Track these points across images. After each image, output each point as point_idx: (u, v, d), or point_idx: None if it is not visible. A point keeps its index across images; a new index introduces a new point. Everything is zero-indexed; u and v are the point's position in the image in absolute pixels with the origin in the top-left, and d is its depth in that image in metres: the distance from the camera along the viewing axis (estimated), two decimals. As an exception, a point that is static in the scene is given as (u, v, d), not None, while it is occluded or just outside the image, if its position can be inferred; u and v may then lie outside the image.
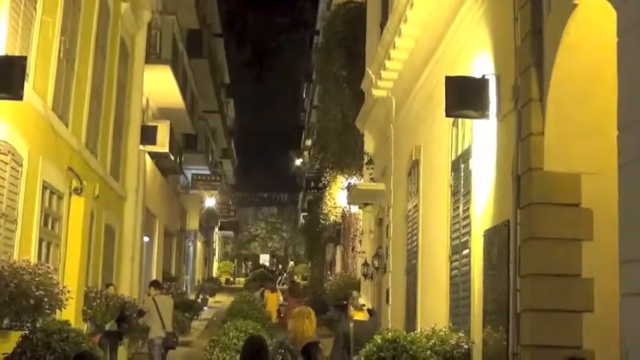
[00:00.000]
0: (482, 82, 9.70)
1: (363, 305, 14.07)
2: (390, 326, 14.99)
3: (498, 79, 9.56)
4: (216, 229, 57.85)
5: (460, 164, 11.46)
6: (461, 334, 10.50)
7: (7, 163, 10.44)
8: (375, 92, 17.38)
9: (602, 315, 7.81)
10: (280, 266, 68.32)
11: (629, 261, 5.57)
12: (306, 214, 49.60)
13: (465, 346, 10.31)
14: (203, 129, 36.97)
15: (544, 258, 8.09)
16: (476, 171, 10.54)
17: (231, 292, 40.26)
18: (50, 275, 10.80)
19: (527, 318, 8.22)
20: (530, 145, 8.30)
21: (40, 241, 12.32)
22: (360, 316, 13.01)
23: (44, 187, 12.33)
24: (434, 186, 13.13)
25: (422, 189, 14.13)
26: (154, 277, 21.46)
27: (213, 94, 38.46)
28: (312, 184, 39.65)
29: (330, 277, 32.39)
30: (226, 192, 55.17)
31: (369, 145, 20.99)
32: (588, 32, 7.54)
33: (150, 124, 21.66)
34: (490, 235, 9.66)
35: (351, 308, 13.44)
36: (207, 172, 40.54)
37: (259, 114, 71.49)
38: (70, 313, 12.37)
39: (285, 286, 35.69)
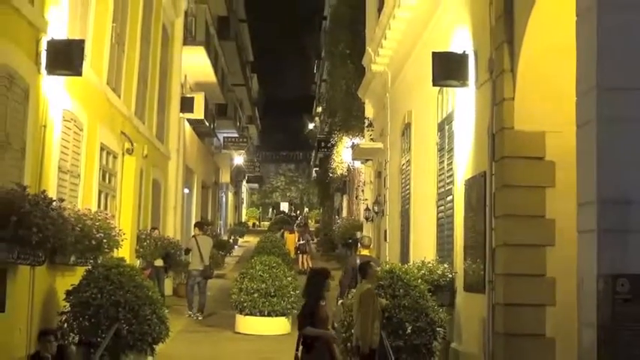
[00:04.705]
0: (463, 57, 9.64)
1: (371, 243, 14.09)
2: (387, 259, 15.07)
3: (476, 54, 9.49)
4: (244, 182, 57.94)
5: (445, 125, 11.42)
6: (446, 266, 10.56)
7: (70, 129, 10.45)
8: (374, 67, 17.29)
9: (562, 249, 7.83)
10: (297, 212, 68.41)
11: (585, 203, 5.58)
12: (317, 168, 49.53)
13: (450, 275, 10.37)
14: (232, 99, 36.84)
15: (514, 202, 8.11)
16: (458, 131, 10.51)
17: (257, 234, 40.44)
18: (108, 221, 10.84)
19: (500, 252, 8.26)
20: (502, 109, 8.27)
21: (100, 192, 12.37)
22: (366, 252, 13.06)
23: (101, 148, 12.34)
24: (423, 144, 13.10)
25: (413, 146, 14.10)
26: (193, 223, 21.52)
27: (239, 70, 38.27)
28: (323, 143, 39.41)
29: (338, 221, 32.52)
30: (252, 151, 55.15)
31: (369, 111, 20.91)
32: (552, 13, 7.46)
33: (188, 95, 21.58)
34: (470, 184, 9.66)
35: (360, 245, 13.49)
36: (236, 135, 40.37)
37: (279, 86, 71.13)
38: (125, 251, 12.46)
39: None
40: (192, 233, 17.32)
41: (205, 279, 16.11)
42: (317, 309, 7.49)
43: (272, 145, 72.42)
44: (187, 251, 16.66)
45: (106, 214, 11.50)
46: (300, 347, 7.46)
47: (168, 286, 18.13)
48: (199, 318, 15.62)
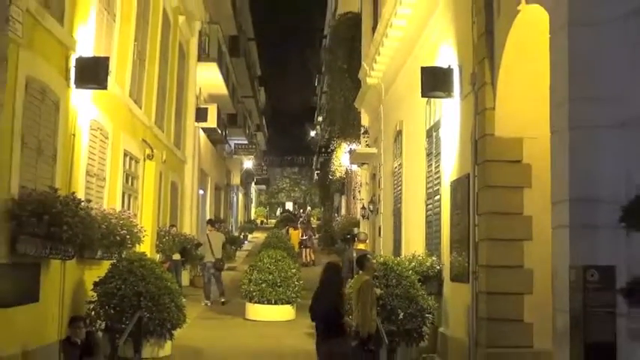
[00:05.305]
0: (449, 71, 9.66)
1: (366, 238, 14.05)
2: (381, 253, 15.07)
3: (460, 68, 9.51)
4: (253, 184, 57.87)
5: (432, 132, 11.43)
6: (434, 258, 10.56)
7: (97, 137, 10.48)
8: (369, 80, 17.29)
9: (538, 243, 7.84)
10: (301, 210, 68.31)
11: (558, 202, 5.59)
12: (319, 171, 49.50)
13: (437, 267, 10.38)
14: (242, 110, 36.74)
15: (495, 201, 8.12)
16: (444, 137, 10.52)
17: (264, 230, 40.33)
18: (131, 219, 10.87)
19: (483, 245, 8.26)
20: (484, 117, 8.27)
21: (123, 194, 12.39)
22: (362, 246, 13.04)
23: (125, 154, 12.37)
24: (413, 149, 13.11)
25: (404, 151, 14.10)
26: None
27: (248, 83, 38.24)
28: (323, 149, 39.44)
29: (337, 218, 32.47)
30: (260, 156, 54.96)
31: (365, 120, 20.93)
32: (528, 31, 7.48)
33: (202, 106, 21.59)
34: (455, 185, 9.67)
35: (356, 240, 13.48)
36: (245, 142, 40.27)
37: (284, 98, 71.02)
38: (146, 246, 12.48)
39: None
40: (207, 230, 17.42)
41: (217, 270, 16.17)
42: (341, 301, 7.56)
43: (278, 150, 72.31)
44: (198, 245, 16.80)
45: (129, 213, 11.53)
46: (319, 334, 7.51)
47: (185, 277, 18.16)
48: (222, 300, 15.73)
